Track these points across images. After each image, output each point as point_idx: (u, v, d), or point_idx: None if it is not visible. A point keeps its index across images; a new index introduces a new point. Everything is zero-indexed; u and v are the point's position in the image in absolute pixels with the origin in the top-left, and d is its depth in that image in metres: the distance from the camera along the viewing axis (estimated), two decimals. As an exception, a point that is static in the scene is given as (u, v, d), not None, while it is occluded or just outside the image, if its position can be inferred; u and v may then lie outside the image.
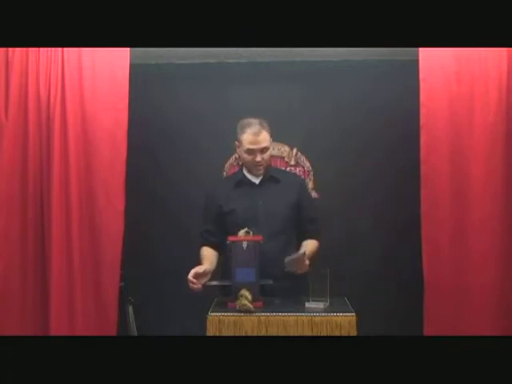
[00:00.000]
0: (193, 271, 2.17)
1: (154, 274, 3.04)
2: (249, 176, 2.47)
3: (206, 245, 2.45)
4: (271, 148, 2.46)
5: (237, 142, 2.44)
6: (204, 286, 2.18)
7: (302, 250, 2.23)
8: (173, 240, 3.07)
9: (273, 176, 2.47)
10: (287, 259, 2.17)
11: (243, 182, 2.47)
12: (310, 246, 2.40)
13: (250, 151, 2.37)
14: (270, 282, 2.17)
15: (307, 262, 2.21)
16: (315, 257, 2.37)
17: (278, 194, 2.42)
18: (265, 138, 2.37)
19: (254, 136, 2.35)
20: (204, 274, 2.20)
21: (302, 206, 2.45)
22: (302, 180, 2.74)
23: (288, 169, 3.09)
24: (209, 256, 2.38)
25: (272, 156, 2.93)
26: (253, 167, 2.43)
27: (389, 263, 3.00)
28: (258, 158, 2.37)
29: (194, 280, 2.15)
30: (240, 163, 3.06)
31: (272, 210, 2.38)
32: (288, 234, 2.41)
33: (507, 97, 2.51)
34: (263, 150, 2.38)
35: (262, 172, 2.45)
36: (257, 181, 2.46)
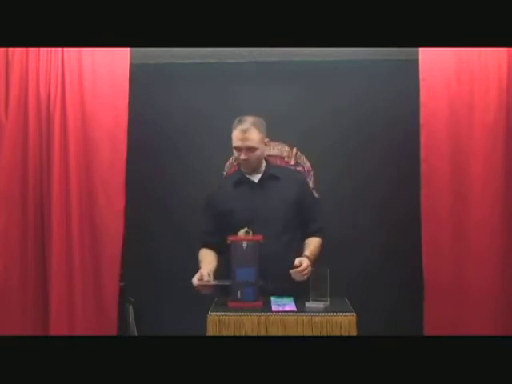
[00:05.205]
0: (195, 278, 2.18)
1: (154, 274, 3.04)
2: (247, 174, 2.40)
3: (205, 246, 2.42)
4: (263, 149, 2.36)
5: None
6: (212, 286, 2.20)
7: (304, 260, 2.18)
8: (173, 240, 3.06)
9: (272, 174, 2.39)
10: (292, 271, 2.15)
11: (242, 181, 2.40)
12: (311, 246, 2.34)
13: (236, 148, 2.32)
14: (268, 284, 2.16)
15: (309, 268, 2.16)
16: (318, 254, 2.35)
17: (278, 192, 2.35)
18: (252, 136, 2.29)
19: (242, 133, 2.28)
20: (206, 277, 2.20)
21: (304, 205, 2.39)
22: (303, 178, 2.66)
23: (288, 168, 3.08)
24: (207, 259, 2.36)
25: (272, 156, 2.94)
26: (241, 165, 2.38)
27: (389, 263, 2.99)
28: (243, 156, 2.31)
29: (201, 282, 2.17)
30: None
31: (273, 210, 2.31)
32: (290, 233, 2.34)
33: (507, 97, 2.52)
34: (250, 149, 2.30)
35: (249, 170, 2.38)
36: (256, 179, 2.39)
